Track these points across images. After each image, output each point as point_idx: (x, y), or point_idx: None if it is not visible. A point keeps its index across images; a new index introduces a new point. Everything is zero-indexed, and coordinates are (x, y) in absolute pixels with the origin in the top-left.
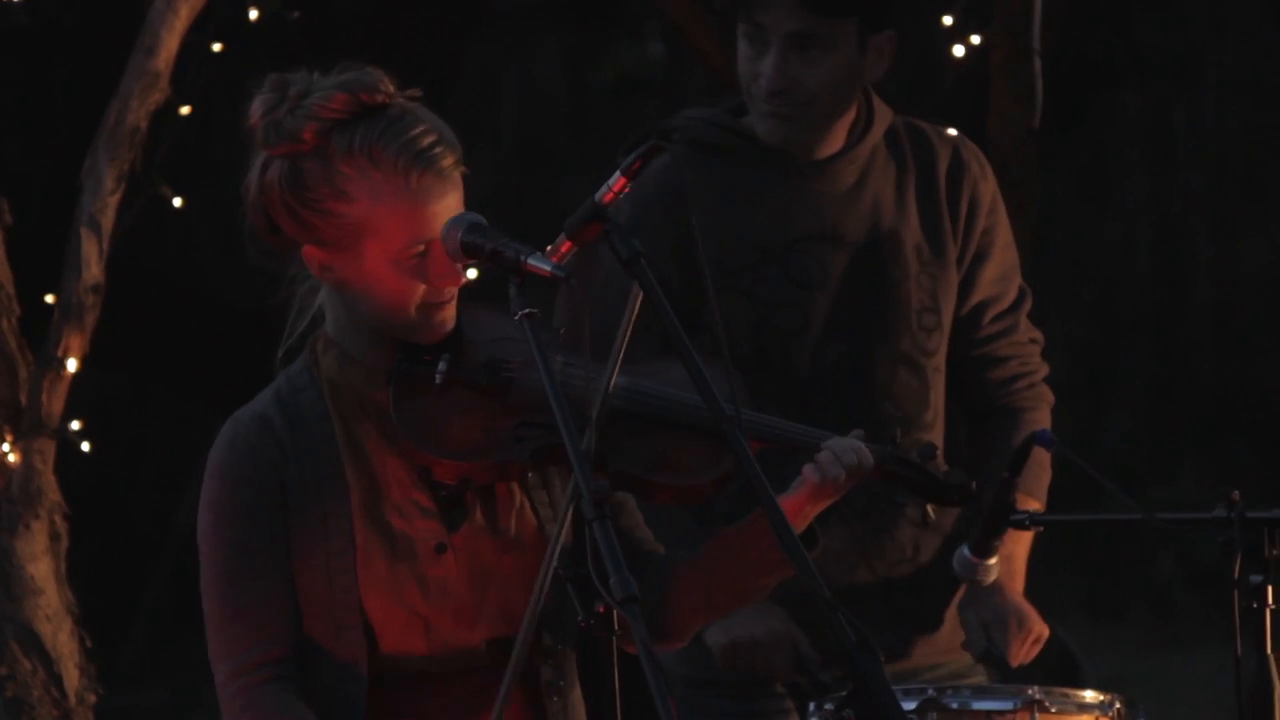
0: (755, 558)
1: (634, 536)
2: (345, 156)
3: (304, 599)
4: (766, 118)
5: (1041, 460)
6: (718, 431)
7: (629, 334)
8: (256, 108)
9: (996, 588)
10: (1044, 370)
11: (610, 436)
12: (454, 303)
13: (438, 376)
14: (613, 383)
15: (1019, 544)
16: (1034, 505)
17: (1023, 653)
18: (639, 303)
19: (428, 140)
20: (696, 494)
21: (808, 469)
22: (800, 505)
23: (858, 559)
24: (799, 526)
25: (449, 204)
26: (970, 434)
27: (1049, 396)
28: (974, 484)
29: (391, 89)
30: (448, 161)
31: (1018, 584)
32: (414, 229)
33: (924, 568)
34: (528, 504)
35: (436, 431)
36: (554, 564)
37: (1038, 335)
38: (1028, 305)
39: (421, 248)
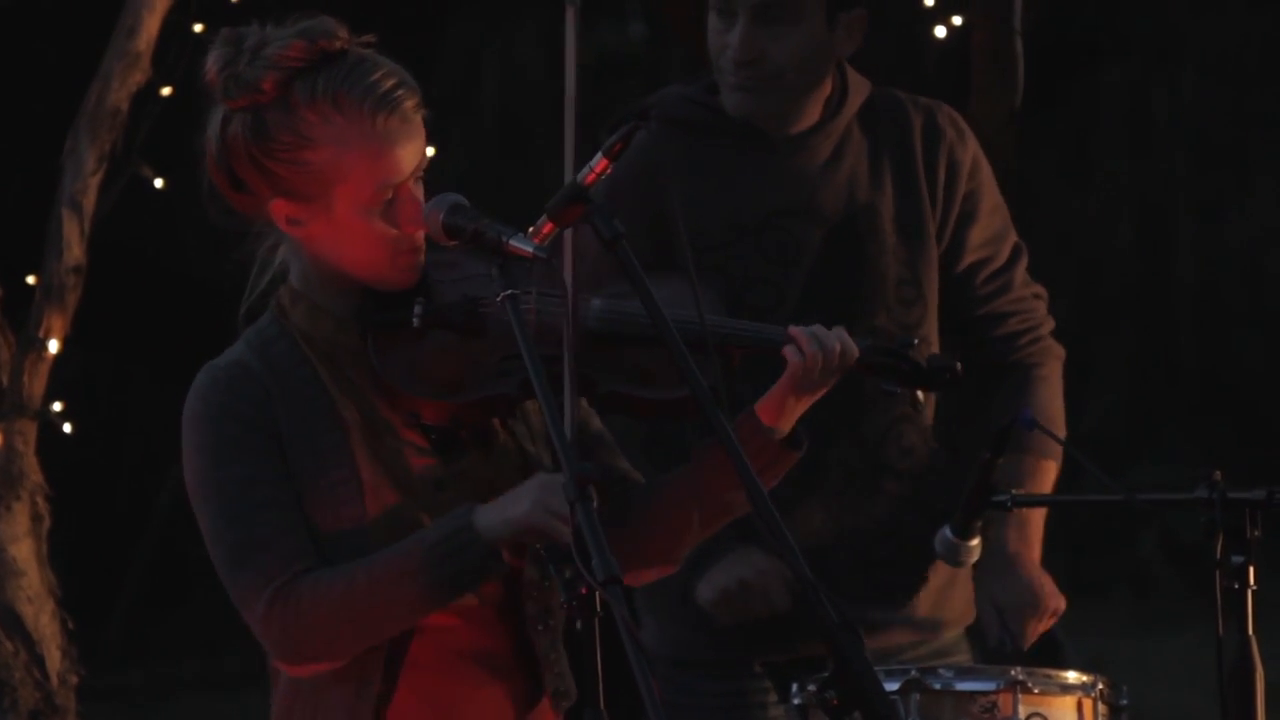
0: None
1: (615, 468)
2: (309, 104)
3: (311, 536)
4: (734, 90)
5: (1055, 420)
6: (697, 345)
7: (574, 276)
8: (212, 63)
9: (1011, 562)
10: (1049, 324)
11: (593, 358)
12: (424, 249)
13: (415, 319)
14: (573, 323)
15: (1034, 509)
16: (1049, 464)
17: (1033, 632)
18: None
19: (390, 83)
20: (683, 408)
21: (788, 349)
22: (783, 396)
23: (835, 535)
24: (784, 425)
25: (414, 146)
26: (982, 394)
27: (1058, 350)
28: (959, 365)
29: (347, 35)
30: (410, 104)
31: (1034, 551)
32: (381, 172)
33: (903, 543)
34: (511, 439)
35: (422, 374)
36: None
37: (1040, 290)
38: (1024, 261)
39: (389, 193)
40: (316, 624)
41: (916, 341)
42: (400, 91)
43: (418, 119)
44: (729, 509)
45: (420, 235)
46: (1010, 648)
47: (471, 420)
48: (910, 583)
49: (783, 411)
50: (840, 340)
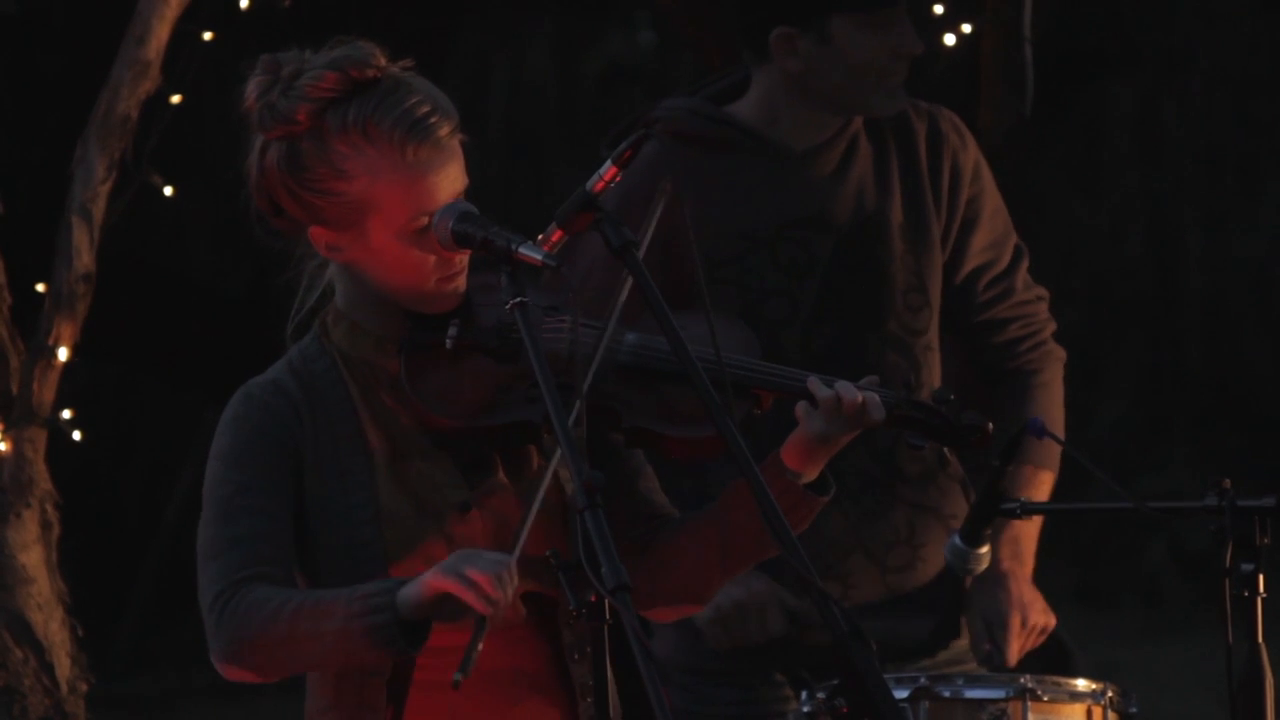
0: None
1: (653, 500)
2: (340, 134)
3: (325, 557)
4: (898, 90)
5: (1055, 427)
6: (723, 384)
7: (623, 299)
8: (251, 91)
9: (1002, 578)
10: (1051, 326)
11: (620, 392)
12: (465, 272)
13: (448, 341)
14: (607, 339)
15: (1027, 525)
16: (1047, 475)
17: (1018, 646)
18: (629, 280)
19: (422, 111)
20: (709, 447)
21: (802, 405)
22: (801, 442)
23: (852, 543)
24: (809, 470)
25: (449, 173)
26: (985, 400)
27: (1059, 353)
28: (990, 425)
29: (383, 62)
30: (444, 131)
31: (1026, 569)
32: (415, 202)
33: (919, 551)
34: (546, 468)
35: (448, 395)
36: (539, 499)
37: (1042, 291)
38: (1025, 263)
39: (425, 220)
40: (246, 632)
41: (952, 397)
42: (433, 119)
43: (453, 144)
44: (756, 551)
45: (462, 260)
46: (999, 662)
47: (496, 444)
48: (927, 589)
49: (806, 457)
50: (865, 396)
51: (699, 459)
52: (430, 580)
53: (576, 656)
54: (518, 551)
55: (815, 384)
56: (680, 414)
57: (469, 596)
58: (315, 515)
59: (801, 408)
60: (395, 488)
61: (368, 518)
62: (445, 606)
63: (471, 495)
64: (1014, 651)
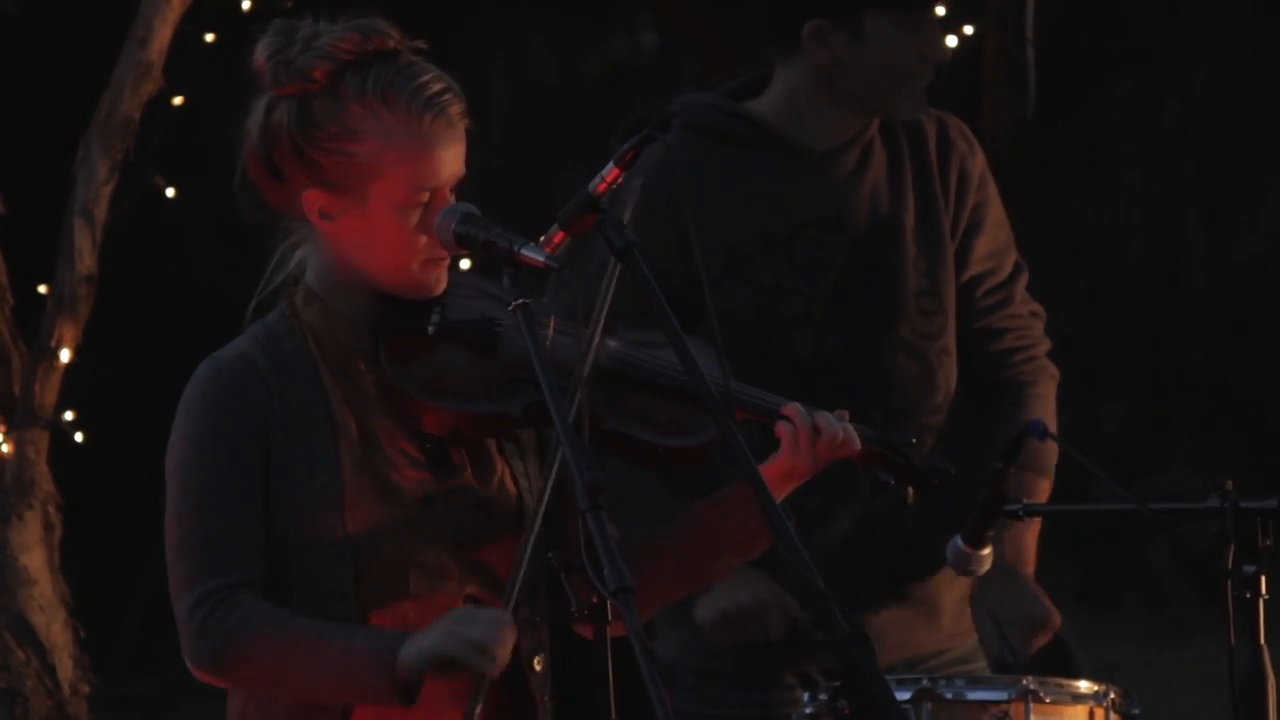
0: (730, 530)
1: None
2: (358, 97)
3: (286, 537)
4: (922, 94)
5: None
6: (702, 401)
7: (609, 302)
8: (261, 50)
9: (1008, 577)
10: (1045, 344)
11: (601, 397)
12: (447, 262)
13: (431, 327)
14: (595, 345)
15: (1027, 524)
16: (1044, 482)
17: (1033, 641)
18: (618, 271)
19: (438, 87)
20: (686, 457)
21: (782, 426)
22: (777, 471)
23: (863, 545)
24: (776, 496)
25: (455, 152)
26: (975, 409)
27: (1052, 370)
28: (951, 470)
29: (400, 37)
30: (456, 110)
31: (1029, 567)
32: (421, 173)
33: (928, 553)
34: (507, 472)
35: (429, 380)
36: (532, 539)
37: (1038, 308)
38: (1024, 279)
39: (425, 196)
40: (233, 649)
41: (914, 440)
42: (447, 96)
43: (461, 126)
44: (707, 575)
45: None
46: (1010, 659)
47: (470, 435)
48: (936, 591)
49: (777, 486)
50: (844, 430)
51: (670, 469)
52: (433, 647)
53: (537, 666)
54: (512, 603)
55: (795, 411)
56: (657, 422)
57: (474, 661)
58: (280, 495)
59: (787, 437)
60: (362, 472)
61: (333, 500)
62: (447, 668)
63: (436, 489)
64: (1031, 645)
